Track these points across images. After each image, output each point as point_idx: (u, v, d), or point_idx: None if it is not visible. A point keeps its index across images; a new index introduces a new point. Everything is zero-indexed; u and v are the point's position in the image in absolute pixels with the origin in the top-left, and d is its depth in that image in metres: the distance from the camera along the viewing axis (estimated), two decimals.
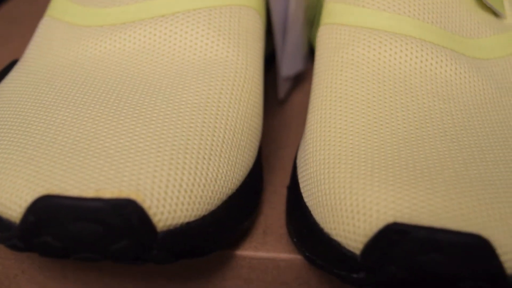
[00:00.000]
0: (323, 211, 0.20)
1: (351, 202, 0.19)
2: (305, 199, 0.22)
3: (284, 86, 0.31)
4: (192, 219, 0.20)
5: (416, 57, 0.23)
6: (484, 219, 0.18)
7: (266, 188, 0.26)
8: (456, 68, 0.23)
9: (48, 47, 0.25)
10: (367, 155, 0.20)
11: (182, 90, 0.22)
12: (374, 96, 0.22)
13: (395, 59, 0.23)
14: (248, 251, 0.23)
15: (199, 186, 0.20)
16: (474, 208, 0.18)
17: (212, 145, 0.21)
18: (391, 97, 0.22)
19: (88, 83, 0.23)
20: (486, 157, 0.21)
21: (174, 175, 0.19)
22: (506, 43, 0.25)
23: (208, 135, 0.21)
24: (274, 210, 0.25)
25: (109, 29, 0.24)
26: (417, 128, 0.21)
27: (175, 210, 0.19)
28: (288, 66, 0.30)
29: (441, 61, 0.23)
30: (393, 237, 0.18)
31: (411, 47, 0.23)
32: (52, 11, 0.26)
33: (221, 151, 0.21)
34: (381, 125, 0.21)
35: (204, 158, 0.20)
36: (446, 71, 0.23)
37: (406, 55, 0.23)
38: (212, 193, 0.20)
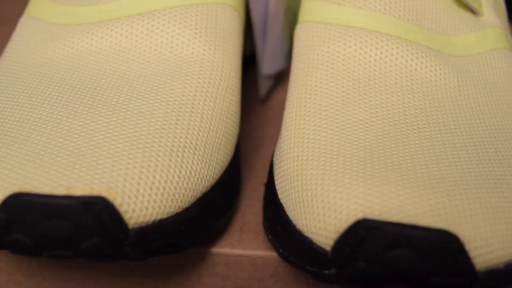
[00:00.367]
0: (295, 208, 0.20)
1: (322, 198, 0.19)
2: (280, 196, 0.22)
3: (265, 85, 0.31)
4: (164, 216, 0.20)
5: (392, 54, 0.23)
6: (453, 215, 0.18)
7: (245, 186, 0.26)
8: (431, 66, 0.23)
9: (26, 46, 0.25)
10: (340, 152, 0.20)
11: (157, 88, 0.22)
12: (348, 93, 0.22)
13: (370, 56, 0.23)
14: (224, 249, 0.23)
15: (172, 183, 0.20)
16: (444, 204, 0.18)
17: (186, 142, 0.21)
18: (365, 94, 0.22)
19: (64, 82, 0.23)
20: (459, 154, 0.21)
21: (146, 172, 0.19)
22: (483, 41, 0.25)
23: (182, 133, 0.21)
24: (252, 207, 0.25)
25: (86, 27, 0.24)
26: (390, 125, 0.21)
27: (147, 208, 0.19)
28: (269, 65, 0.30)
29: (417, 58, 0.23)
30: (362, 233, 0.18)
31: (387, 45, 0.23)
32: (31, 10, 0.26)
33: (195, 148, 0.21)
34: (355, 122, 0.21)
35: (178, 156, 0.20)
36: (421, 68, 0.23)
37: (382, 53, 0.23)
38: (186, 190, 0.20)
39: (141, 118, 0.21)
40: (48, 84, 0.23)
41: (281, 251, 0.21)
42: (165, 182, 0.20)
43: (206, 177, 0.22)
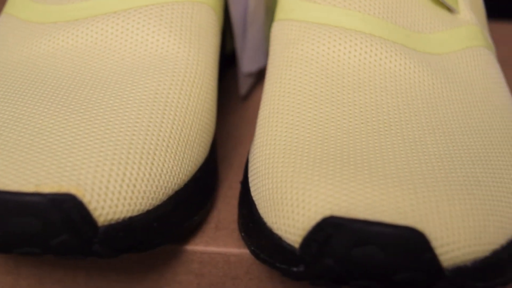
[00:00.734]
0: (266, 205, 0.20)
1: (292, 196, 0.19)
2: (252, 194, 0.22)
3: (246, 83, 0.31)
4: (135, 213, 0.20)
5: (366, 52, 0.23)
6: (420, 212, 0.18)
7: (223, 183, 0.26)
8: (405, 63, 0.23)
9: (3, 44, 0.25)
10: (310, 150, 0.20)
11: (131, 86, 0.22)
12: (321, 91, 0.22)
13: (344, 54, 0.23)
14: (199, 246, 0.23)
15: (142, 181, 0.20)
16: (411, 201, 0.18)
17: (158, 140, 0.21)
18: (338, 92, 0.22)
19: (39, 80, 0.23)
20: (430, 151, 0.21)
21: (116, 170, 0.19)
22: (459, 38, 0.25)
23: (155, 130, 0.21)
24: (228, 205, 0.25)
25: (62, 25, 0.25)
26: (362, 123, 0.21)
27: (117, 205, 0.19)
28: (249, 62, 0.30)
29: (390, 56, 0.23)
30: (329, 230, 0.18)
31: (361, 42, 0.23)
32: (9, 8, 0.26)
33: (168, 146, 0.21)
34: (327, 119, 0.21)
35: (149, 153, 0.21)
36: (395, 65, 0.23)
37: (355, 50, 0.23)
38: (157, 188, 0.20)
39: (114, 116, 0.21)
40: (23, 82, 0.23)
41: (252, 248, 0.21)
42: (136, 179, 0.20)
43: (179, 175, 0.22)
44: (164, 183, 0.21)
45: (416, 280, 0.18)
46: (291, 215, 0.19)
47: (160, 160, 0.21)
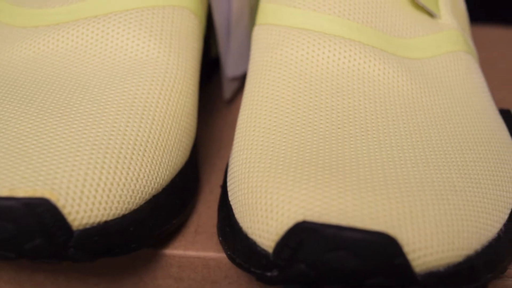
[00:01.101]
0: (242, 210, 0.20)
1: (266, 201, 0.19)
2: (230, 198, 0.22)
3: (230, 87, 0.31)
4: (110, 217, 0.20)
5: (344, 57, 0.23)
6: (393, 217, 0.18)
7: (204, 187, 0.26)
8: (384, 68, 0.23)
9: None
10: (286, 154, 0.20)
11: (110, 90, 0.22)
12: (299, 96, 0.22)
13: (322, 59, 0.23)
14: (177, 250, 0.23)
15: (118, 185, 0.20)
16: (384, 206, 0.19)
17: (135, 144, 0.21)
18: (316, 96, 0.22)
19: (18, 84, 0.23)
20: (406, 156, 0.21)
21: (91, 174, 0.20)
22: (439, 43, 0.25)
23: (132, 135, 0.21)
24: (208, 209, 0.25)
25: (43, 30, 0.25)
26: (339, 128, 0.21)
27: (92, 209, 0.19)
28: (234, 66, 0.30)
29: (369, 61, 0.23)
30: (302, 235, 0.18)
31: (339, 47, 0.23)
32: None
33: (145, 150, 0.21)
34: (304, 124, 0.22)
35: (126, 157, 0.21)
36: (374, 70, 0.23)
37: (334, 55, 0.23)
38: (133, 192, 0.21)
39: (91, 120, 0.21)
40: (2, 86, 0.23)
41: (229, 252, 0.21)
42: (111, 183, 0.20)
43: (156, 179, 0.22)
44: (141, 187, 0.21)
45: (388, 285, 0.18)
46: (265, 220, 0.19)
47: (137, 164, 0.21)
